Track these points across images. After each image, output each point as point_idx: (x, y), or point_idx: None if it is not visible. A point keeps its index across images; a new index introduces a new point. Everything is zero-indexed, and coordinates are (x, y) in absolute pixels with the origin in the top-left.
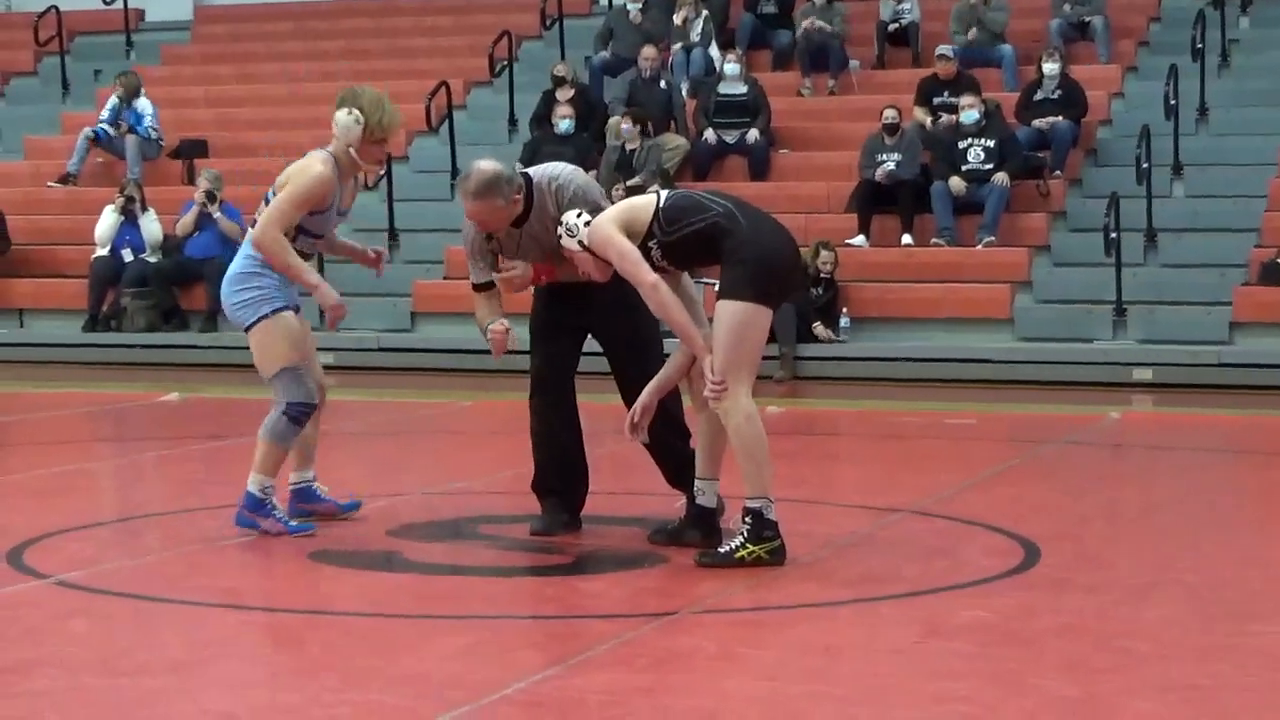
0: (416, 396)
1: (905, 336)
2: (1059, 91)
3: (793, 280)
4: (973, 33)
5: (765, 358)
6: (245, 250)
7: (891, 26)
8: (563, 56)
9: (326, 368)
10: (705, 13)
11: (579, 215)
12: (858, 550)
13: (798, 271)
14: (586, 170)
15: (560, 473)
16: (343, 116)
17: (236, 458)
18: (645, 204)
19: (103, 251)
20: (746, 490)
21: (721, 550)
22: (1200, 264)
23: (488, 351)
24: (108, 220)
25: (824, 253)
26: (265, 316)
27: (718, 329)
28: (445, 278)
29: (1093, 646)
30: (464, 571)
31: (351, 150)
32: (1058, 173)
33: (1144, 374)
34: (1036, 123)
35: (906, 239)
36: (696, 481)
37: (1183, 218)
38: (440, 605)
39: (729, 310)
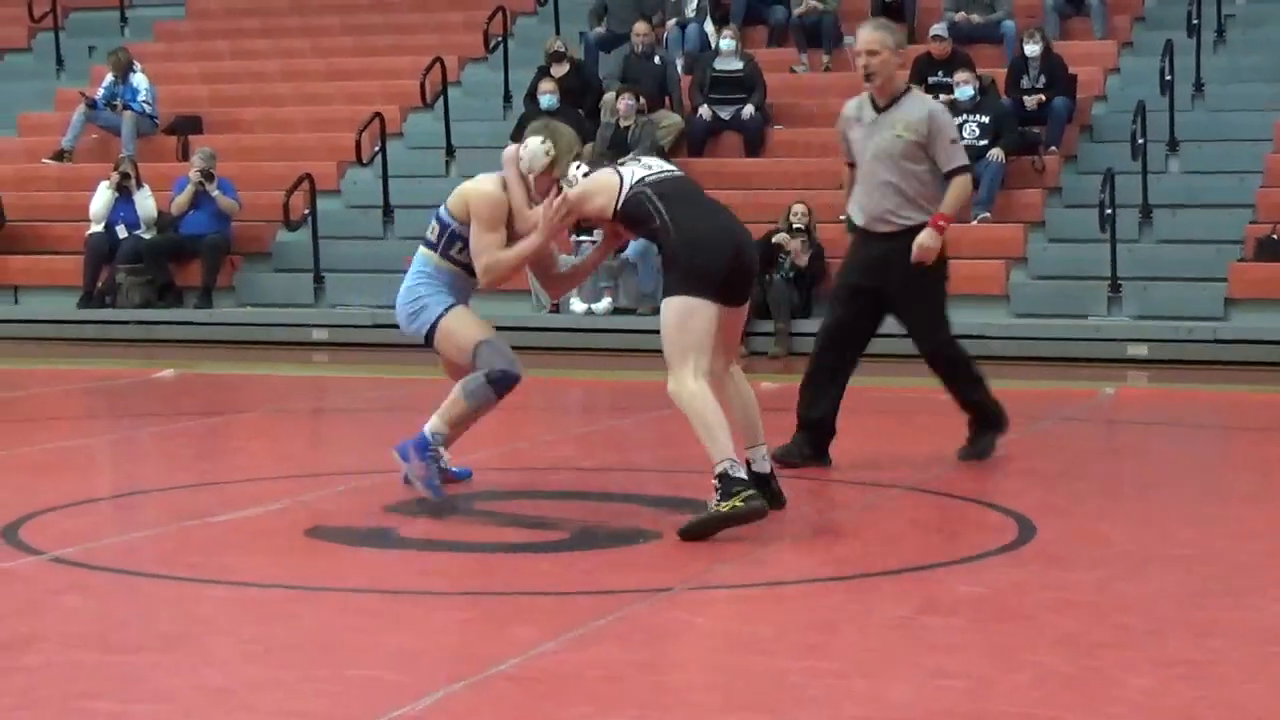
0: (411, 373)
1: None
2: (1042, 77)
3: (736, 276)
4: (962, 14)
5: (760, 334)
6: (413, 267)
7: None
8: (557, 32)
9: (321, 344)
10: None
11: (578, 167)
12: (853, 526)
13: (738, 266)
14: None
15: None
16: (535, 144)
17: (231, 434)
18: (611, 191)
19: (97, 228)
20: (711, 459)
21: (697, 518)
22: (1196, 240)
23: None
24: (103, 197)
25: (779, 236)
26: (437, 320)
27: (663, 323)
28: None
29: (1088, 621)
30: (460, 547)
31: (531, 176)
32: (1053, 149)
33: (1139, 350)
34: (1026, 100)
35: None
36: (746, 451)
37: (1178, 194)
38: (436, 581)
39: (668, 306)
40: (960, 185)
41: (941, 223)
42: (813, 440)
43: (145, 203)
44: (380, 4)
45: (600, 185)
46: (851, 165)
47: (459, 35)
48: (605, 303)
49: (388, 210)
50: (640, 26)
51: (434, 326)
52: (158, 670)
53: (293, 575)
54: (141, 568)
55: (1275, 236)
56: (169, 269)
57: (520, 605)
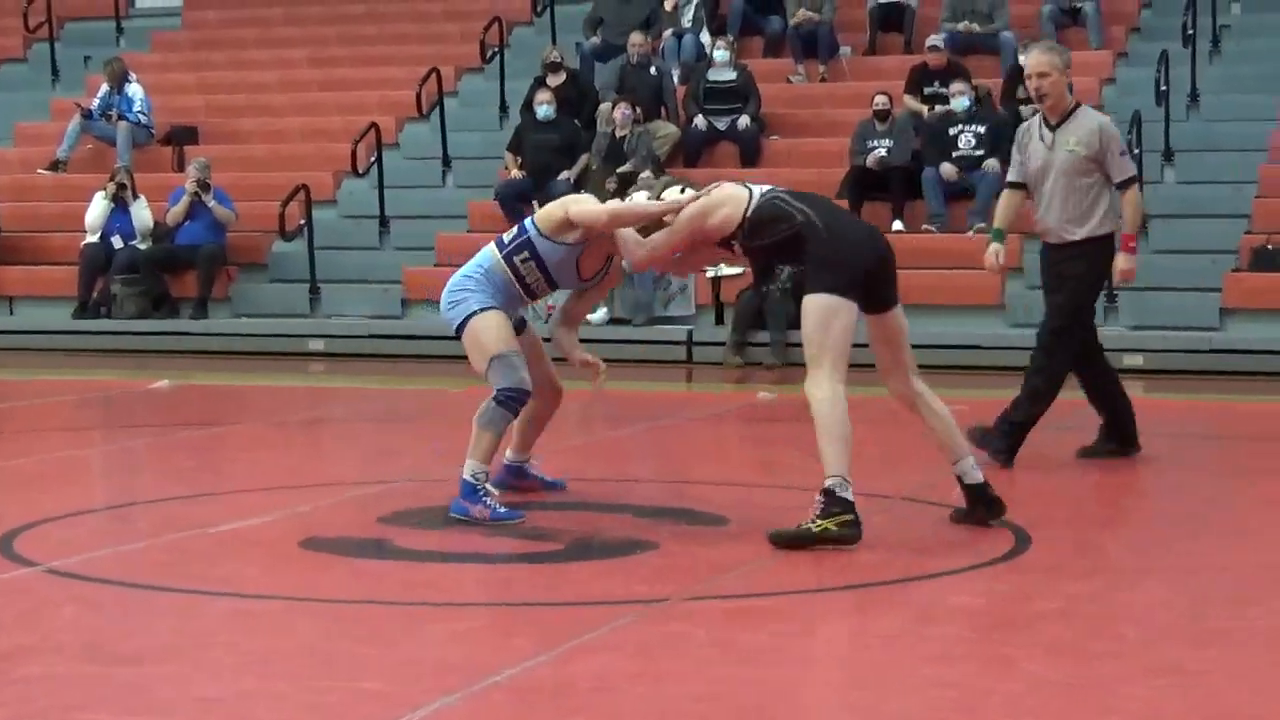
0: (407, 383)
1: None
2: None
3: (877, 272)
4: (964, 24)
5: (757, 344)
6: (474, 260)
7: None
8: (554, 42)
9: (317, 354)
10: None
11: (682, 190)
12: None
13: (881, 264)
14: (576, 156)
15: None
16: (640, 197)
17: (227, 445)
18: (739, 201)
19: (93, 238)
20: (825, 470)
21: (792, 529)
22: (1191, 250)
23: None
24: (98, 207)
25: None
26: (472, 315)
27: (805, 321)
28: (435, 264)
29: (1085, 631)
30: (454, 559)
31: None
32: None
33: (1135, 360)
34: (1022, 110)
35: (897, 225)
36: (953, 467)
37: (1174, 204)
38: (431, 592)
39: (813, 302)
40: (1134, 195)
41: (1132, 244)
42: (1119, 436)
43: (141, 213)
44: (376, 14)
45: (727, 196)
46: (1013, 186)
47: (455, 46)
48: (602, 313)
49: (383, 221)
50: (636, 37)
51: (467, 320)
52: (155, 681)
53: (289, 586)
54: (138, 579)
55: (1270, 246)
56: (164, 280)
57: (515, 616)
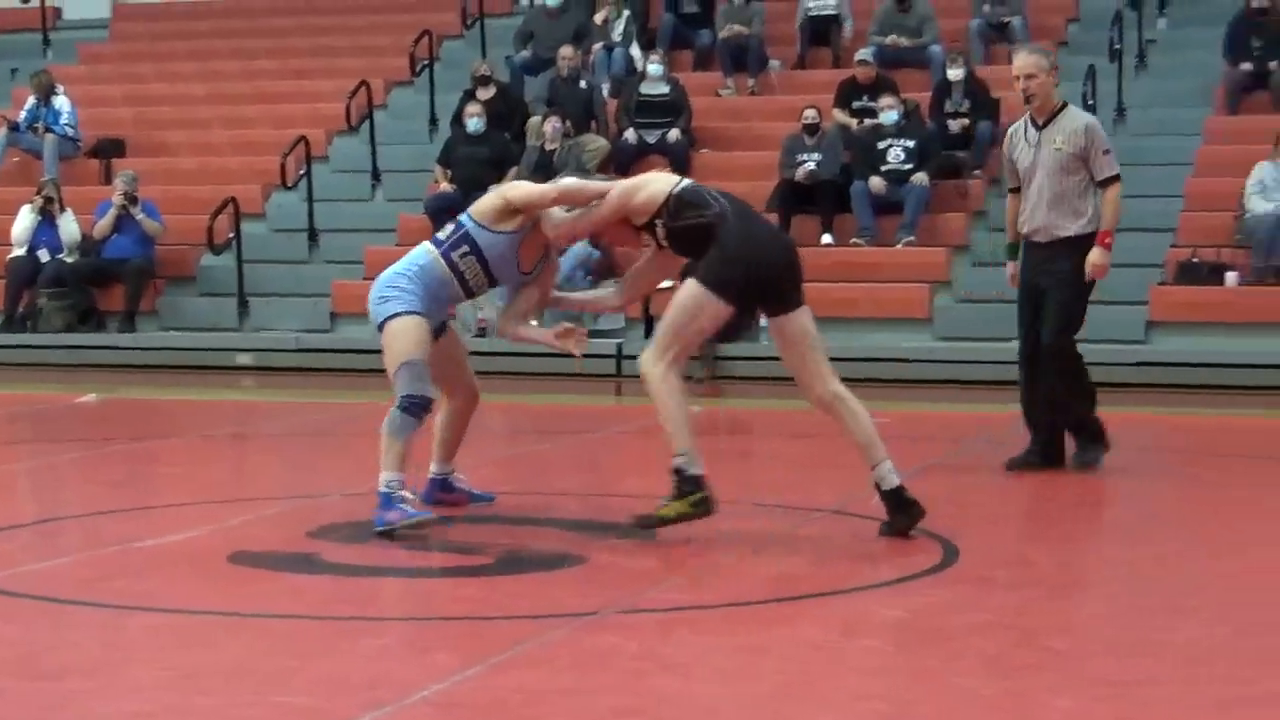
0: (336, 397)
1: (825, 336)
2: (966, 101)
3: (769, 286)
4: (892, 38)
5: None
6: (408, 257)
7: (813, 5)
8: (484, 56)
9: (245, 368)
10: (627, 13)
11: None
12: (777, 550)
13: (778, 280)
14: (506, 169)
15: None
16: (570, 181)
17: (155, 459)
18: (667, 181)
19: (19, 251)
20: (672, 448)
21: (648, 513)
22: (1118, 263)
23: None
24: (25, 220)
25: None
26: (395, 316)
27: (676, 303)
28: (365, 278)
29: (1012, 644)
30: (383, 572)
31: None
32: (977, 172)
33: None
34: (950, 124)
35: (826, 238)
36: (871, 472)
37: None
38: (359, 606)
39: (693, 290)
40: (1115, 194)
41: (1108, 240)
42: (1043, 452)
43: (68, 226)
44: (306, 27)
45: (655, 177)
46: (1014, 191)
47: (385, 59)
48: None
49: (313, 234)
50: (566, 50)
51: (389, 319)
52: (81, 697)
53: (216, 601)
54: (63, 594)
55: (1196, 260)
56: (92, 293)
57: (444, 630)
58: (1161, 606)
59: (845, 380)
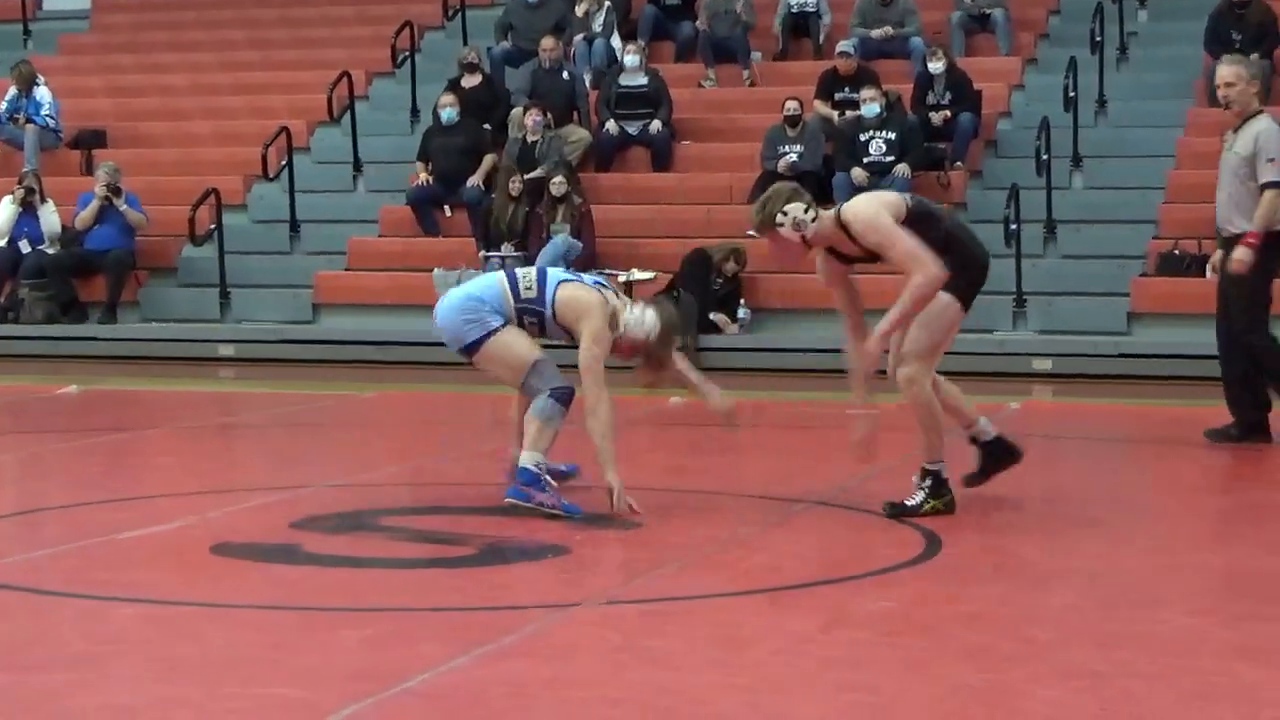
0: (318, 388)
1: (807, 327)
2: (948, 94)
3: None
4: (880, 30)
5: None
6: (482, 281)
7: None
8: (465, 46)
9: (227, 359)
10: (607, 4)
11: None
12: (761, 541)
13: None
14: (480, 158)
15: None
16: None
17: (137, 450)
18: (896, 202)
19: (0, 243)
20: (925, 456)
21: (908, 503)
22: (1099, 255)
23: (388, 343)
24: (6, 211)
25: (730, 264)
26: (493, 332)
27: (929, 313)
28: (347, 269)
29: (996, 634)
30: (366, 564)
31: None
32: (958, 164)
33: (1043, 364)
34: (932, 116)
35: None
36: (974, 428)
37: (1082, 209)
38: (342, 598)
39: (941, 301)
40: (1270, 199)
41: (1252, 240)
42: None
43: (49, 217)
44: (288, 18)
45: (888, 196)
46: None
47: (366, 50)
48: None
49: (294, 225)
50: (547, 41)
51: (486, 337)
52: (65, 689)
53: (199, 592)
54: (47, 586)
55: (1177, 251)
56: (73, 284)
57: (427, 621)
58: (1143, 598)
59: (828, 371)
